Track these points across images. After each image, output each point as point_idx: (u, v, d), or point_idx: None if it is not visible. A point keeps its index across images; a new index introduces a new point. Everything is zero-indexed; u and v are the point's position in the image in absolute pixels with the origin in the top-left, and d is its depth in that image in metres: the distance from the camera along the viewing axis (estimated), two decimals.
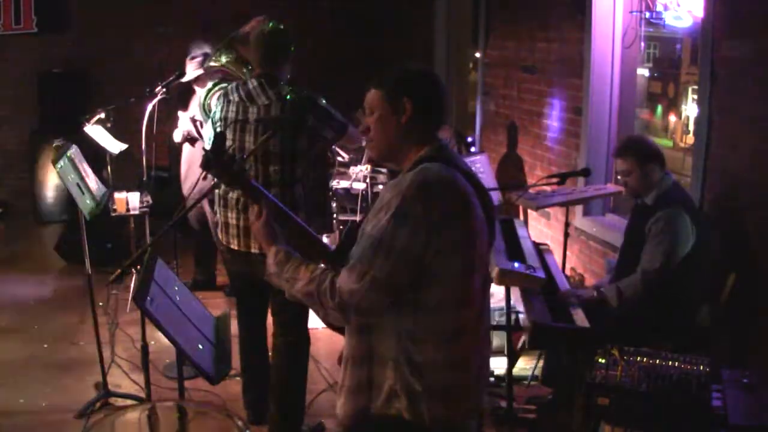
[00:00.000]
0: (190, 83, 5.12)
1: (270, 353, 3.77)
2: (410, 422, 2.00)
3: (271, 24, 3.56)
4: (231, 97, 3.48)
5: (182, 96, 5.26)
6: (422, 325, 1.99)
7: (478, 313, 2.09)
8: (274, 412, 3.65)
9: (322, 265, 2.09)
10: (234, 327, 3.33)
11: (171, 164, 5.93)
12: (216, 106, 3.56)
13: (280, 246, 2.13)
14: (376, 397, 2.03)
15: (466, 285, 2.02)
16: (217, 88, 4.02)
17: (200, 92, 5.11)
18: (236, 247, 3.51)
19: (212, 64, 4.01)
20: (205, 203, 5.09)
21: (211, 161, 2.18)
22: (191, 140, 5.29)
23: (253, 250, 3.44)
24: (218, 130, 3.45)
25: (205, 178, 2.31)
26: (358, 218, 5.79)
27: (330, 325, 2.21)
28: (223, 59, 3.90)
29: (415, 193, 1.93)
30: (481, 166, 5.02)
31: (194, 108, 5.18)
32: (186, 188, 5.35)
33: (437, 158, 2.04)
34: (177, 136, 5.34)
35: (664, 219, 3.46)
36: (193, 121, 5.18)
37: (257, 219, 2.18)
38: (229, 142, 3.39)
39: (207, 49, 5.11)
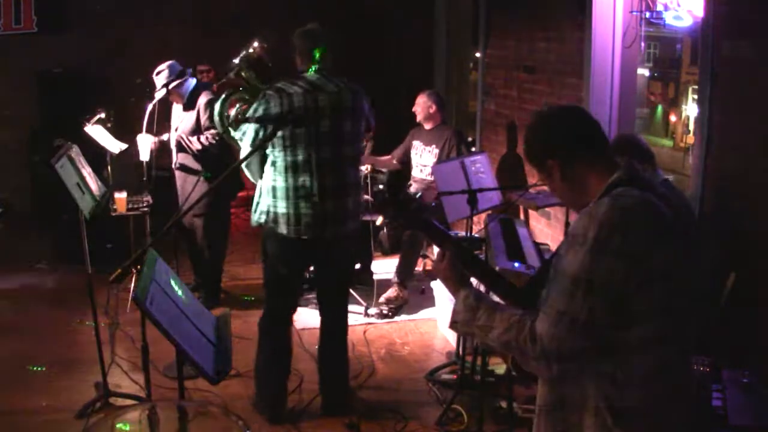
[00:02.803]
0: (166, 97, 5.11)
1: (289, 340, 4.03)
2: None
3: (312, 25, 3.77)
4: (291, 90, 3.61)
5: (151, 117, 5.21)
6: (624, 367, 1.80)
7: (683, 350, 1.90)
8: (333, 384, 4.05)
9: (518, 310, 1.91)
10: (234, 327, 3.34)
11: (170, 164, 5.91)
12: (266, 103, 3.59)
13: (468, 289, 1.99)
14: None
15: (672, 320, 1.82)
16: (236, 96, 4.00)
17: (197, 107, 5.13)
18: (307, 236, 3.69)
19: (233, 75, 3.98)
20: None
21: (388, 203, 2.10)
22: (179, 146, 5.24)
23: (326, 236, 3.69)
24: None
25: (384, 223, 2.20)
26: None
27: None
28: (250, 74, 3.89)
29: (612, 222, 1.75)
30: (481, 166, 5.01)
31: (183, 127, 5.17)
32: (182, 198, 5.30)
33: (629, 182, 1.87)
34: (144, 154, 5.29)
35: None
36: (182, 139, 5.15)
37: (440, 261, 2.07)
38: (301, 131, 3.58)
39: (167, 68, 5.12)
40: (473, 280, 2.09)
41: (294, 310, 4.03)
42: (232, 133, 3.75)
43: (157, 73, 5.11)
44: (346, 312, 4.09)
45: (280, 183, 3.67)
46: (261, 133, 3.57)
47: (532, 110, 5.93)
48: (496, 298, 2.12)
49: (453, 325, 2.00)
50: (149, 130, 5.21)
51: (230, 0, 7.71)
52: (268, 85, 3.70)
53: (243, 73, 3.82)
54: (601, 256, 1.74)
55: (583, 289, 1.75)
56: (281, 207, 3.69)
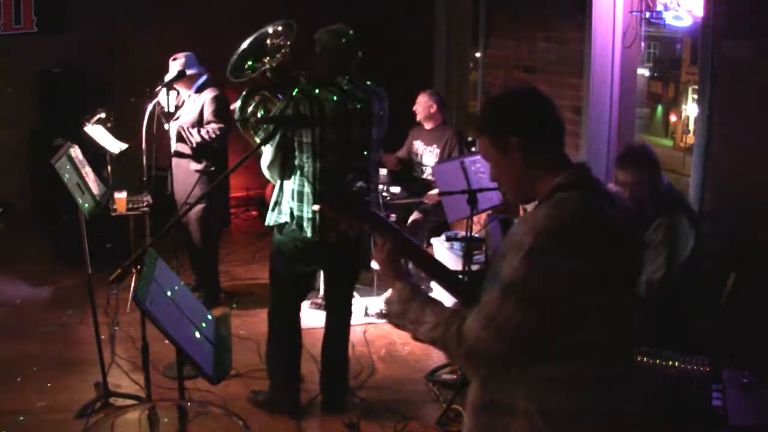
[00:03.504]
0: (171, 82, 5.09)
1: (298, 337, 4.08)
2: None
3: (342, 26, 3.78)
4: (322, 96, 3.59)
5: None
6: (557, 372, 1.76)
7: (622, 357, 1.86)
8: (335, 385, 4.09)
9: (451, 304, 1.90)
10: (234, 327, 3.34)
11: (170, 164, 5.89)
12: (293, 108, 3.55)
13: (405, 282, 1.95)
14: None
15: (612, 327, 1.77)
16: (258, 95, 3.99)
17: (202, 99, 5.11)
18: (330, 239, 3.72)
19: (253, 75, 3.95)
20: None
21: (330, 198, 2.10)
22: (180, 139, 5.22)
23: (350, 236, 3.69)
24: (311, 133, 3.57)
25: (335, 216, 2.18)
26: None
27: None
28: (275, 78, 3.87)
29: (550, 231, 1.70)
30: (481, 166, 5.01)
31: (185, 118, 5.16)
32: (180, 196, 5.27)
33: (576, 185, 1.81)
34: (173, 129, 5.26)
35: (665, 227, 3.44)
36: (182, 130, 5.14)
37: (379, 251, 2.03)
38: (333, 135, 3.59)
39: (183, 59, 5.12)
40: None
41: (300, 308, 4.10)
42: (252, 131, 3.77)
43: (174, 59, 5.13)
44: (350, 313, 4.13)
45: (308, 188, 3.66)
46: (280, 134, 3.58)
47: None
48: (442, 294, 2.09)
49: (385, 316, 1.99)
50: (149, 130, 5.19)
51: (231, 0, 7.71)
52: (297, 87, 3.67)
53: (268, 75, 3.80)
54: (536, 265, 1.70)
55: (516, 297, 1.71)
56: (307, 212, 3.70)
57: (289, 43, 3.82)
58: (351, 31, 3.78)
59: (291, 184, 3.72)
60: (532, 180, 1.88)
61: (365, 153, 3.75)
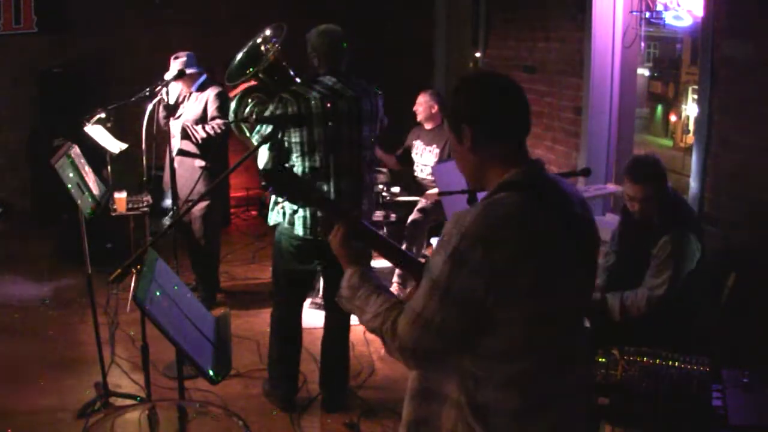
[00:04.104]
0: (171, 81, 5.08)
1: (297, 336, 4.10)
2: None
3: (329, 25, 3.76)
4: (309, 95, 3.60)
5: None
6: (486, 369, 1.78)
7: (556, 357, 1.83)
8: (335, 384, 4.08)
9: (394, 298, 1.90)
10: (234, 327, 3.34)
11: (171, 162, 5.89)
12: (283, 107, 3.58)
13: (356, 267, 1.99)
14: None
15: (539, 331, 1.76)
16: (254, 94, 4.00)
17: (205, 96, 5.12)
18: (323, 238, 3.63)
19: (250, 77, 3.97)
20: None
21: (273, 178, 2.12)
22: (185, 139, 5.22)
23: None
24: (300, 133, 3.59)
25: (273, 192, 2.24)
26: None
27: None
28: (265, 78, 3.88)
29: (475, 234, 1.69)
30: None
31: (188, 115, 5.16)
32: (183, 193, 5.27)
33: (519, 186, 1.79)
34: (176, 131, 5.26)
35: (672, 244, 3.38)
36: (187, 127, 5.14)
37: (334, 236, 2.05)
38: (318, 136, 3.58)
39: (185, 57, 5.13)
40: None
41: (302, 306, 4.11)
42: (248, 133, 3.77)
43: (176, 57, 5.15)
44: (349, 313, 4.09)
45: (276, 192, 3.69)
46: (273, 158, 3.64)
47: (532, 110, 5.94)
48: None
49: (339, 299, 2.02)
50: (149, 130, 5.19)
51: (230, 0, 7.72)
52: (289, 87, 3.68)
53: (260, 75, 3.81)
54: (460, 267, 1.70)
55: (440, 295, 1.72)
56: (299, 210, 3.73)
57: (278, 43, 3.82)
58: (339, 31, 3.76)
59: None
60: (483, 172, 1.88)
61: (356, 152, 3.73)
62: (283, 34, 3.77)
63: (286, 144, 3.64)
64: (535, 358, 1.78)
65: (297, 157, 3.65)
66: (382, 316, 1.84)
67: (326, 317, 4.12)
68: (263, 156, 3.70)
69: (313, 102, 3.60)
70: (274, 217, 3.85)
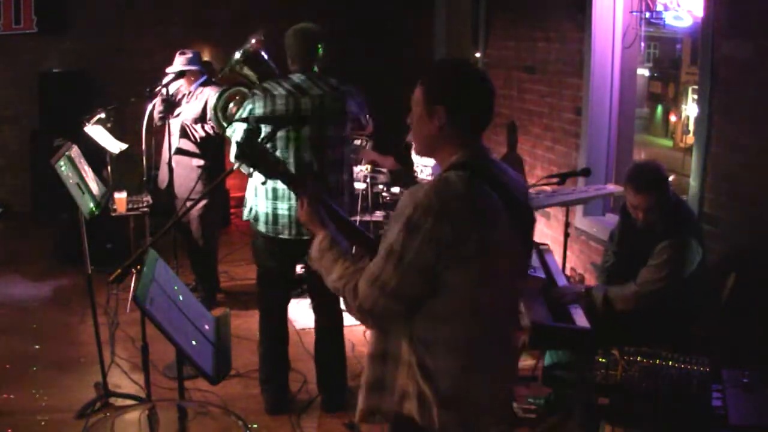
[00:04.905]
0: (170, 82, 5.09)
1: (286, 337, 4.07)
2: (420, 426, 1.98)
3: (305, 23, 3.73)
4: (276, 92, 3.61)
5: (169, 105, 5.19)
6: (433, 332, 1.97)
7: (495, 324, 2.04)
8: (336, 385, 4.03)
9: (361, 263, 2.07)
10: (234, 327, 3.34)
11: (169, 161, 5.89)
12: (252, 103, 3.64)
13: (326, 232, 2.15)
14: (390, 396, 2.04)
15: (481, 296, 1.97)
16: (233, 91, 4.05)
17: (205, 95, 5.12)
18: (287, 236, 3.72)
19: (231, 70, 4.00)
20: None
21: (246, 152, 2.26)
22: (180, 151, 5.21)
23: (305, 237, 3.61)
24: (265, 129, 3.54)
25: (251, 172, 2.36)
26: (357, 218, 5.79)
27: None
28: (245, 70, 3.91)
29: (427, 206, 1.89)
30: None
31: (188, 114, 5.17)
32: (181, 192, 5.27)
33: (467, 166, 1.98)
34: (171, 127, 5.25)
35: (672, 248, 3.36)
36: (186, 126, 5.14)
37: (301, 207, 2.21)
38: (281, 133, 3.59)
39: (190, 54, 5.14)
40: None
41: (286, 304, 4.09)
42: (227, 130, 3.79)
43: (182, 53, 5.16)
44: (339, 311, 4.05)
45: (260, 184, 3.73)
46: (248, 132, 3.62)
47: (532, 110, 5.95)
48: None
49: (308, 260, 2.17)
50: (149, 130, 5.20)
51: (230, 0, 7.72)
52: (265, 81, 3.71)
53: (237, 69, 3.83)
54: (412, 235, 1.89)
55: (394, 261, 1.91)
56: (261, 206, 3.76)
57: (261, 34, 3.84)
58: (314, 31, 3.73)
59: (253, 180, 3.79)
60: (439, 147, 2.06)
61: (318, 151, 3.67)
62: (270, 31, 3.79)
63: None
64: (478, 322, 1.98)
65: None
66: (345, 278, 2.02)
67: (316, 320, 4.10)
68: (234, 150, 3.68)
69: (278, 99, 3.61)
70: (245, 214, 3.87)
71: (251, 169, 3.28)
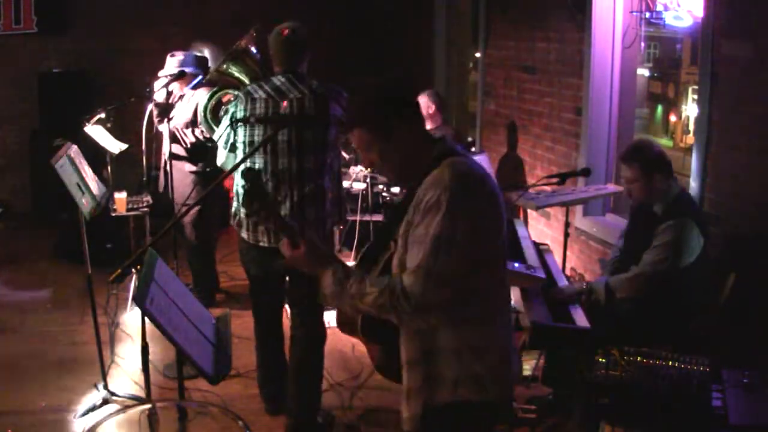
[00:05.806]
0: (170, 82, 5.06)
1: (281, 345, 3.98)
2: (477, 403, 2.09)
3: (289, 24, 3.64)
4: (256, 95, 3.54)
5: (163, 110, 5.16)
6: (476, 310, 2.08)
7: (507, 293, 2.26)
8: (293, 402, 3.75)
9: (382, 277, 2.09)
10: (234, 327, 3.34)
11: (166, 164, 5.89)
12: (234, 106, 3.59)
13: (336, 265, 2.10)
14: (442, 389, 2.09)
15: (503, 269, 2.15)
16: (222, 93, 4.04)
17: (196, 98, 5.08)
18: (266, 244, 3.62)
19: (217, 71, 4.00)
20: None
21: (254, 199, 2.19)
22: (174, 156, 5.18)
23: None
24: (244, 132, 3.53)
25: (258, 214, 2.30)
26: (357, 218, 5.80)
27: (343, 327, 2.26)
28: (233, 69, 3.90)
29: (459, 185, 1.98)
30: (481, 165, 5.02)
31: (179, 118, 5.13)
32: (177, 196, 5.23)
33: (455, 153, 2.11)
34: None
35: (673, 229, 3.41)
36: (176, 130, 5.11)
37: (294, 251, 2.12)
38: (258, 137, 3.50)
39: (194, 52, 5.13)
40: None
41: (278, 307, 3.99)
42: (215, 133, 3.76)
43: (172, 55, 5.11)
44: (315, 321, 3.80)
45: (242, 189, 3.59)
46: (231, 135, 3.58)
47: (532, 110, 5.95)
48: None
49: (322, 298, 2.12)
50: (149, 130, 5.19)
51: (229, 0, 7.72)
52: (253, 82, 3.67)
53: (224, 67, 3.80)
54: (458, 214, 1.97)
55: (445, 247, 1.96)
56: (242, 212, 3.67)
57: (254, 31, 3.84)
58: (295, 29, 3.58)
59: (236, 186, 3.72)
60: (419, 155, 2.12)
61: (295, 155, 3.52)
62: (261, 30, 3.77)
63: (234, 141, 3.58)
64: (503, 291, 2.19)
65: (241, 156, 3.54)
66: (388, 290, 1.99)
67: (291, 332, 3.84)
68: (221, 154, 3.66)
69: (258, 102, 3.53)
70: (231, 219, 3.80)
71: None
